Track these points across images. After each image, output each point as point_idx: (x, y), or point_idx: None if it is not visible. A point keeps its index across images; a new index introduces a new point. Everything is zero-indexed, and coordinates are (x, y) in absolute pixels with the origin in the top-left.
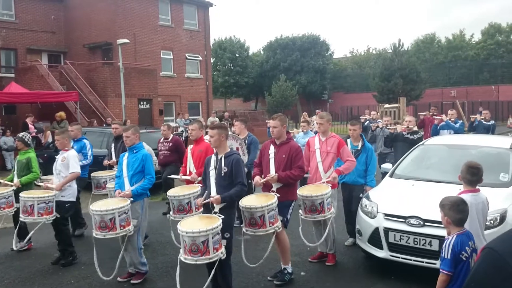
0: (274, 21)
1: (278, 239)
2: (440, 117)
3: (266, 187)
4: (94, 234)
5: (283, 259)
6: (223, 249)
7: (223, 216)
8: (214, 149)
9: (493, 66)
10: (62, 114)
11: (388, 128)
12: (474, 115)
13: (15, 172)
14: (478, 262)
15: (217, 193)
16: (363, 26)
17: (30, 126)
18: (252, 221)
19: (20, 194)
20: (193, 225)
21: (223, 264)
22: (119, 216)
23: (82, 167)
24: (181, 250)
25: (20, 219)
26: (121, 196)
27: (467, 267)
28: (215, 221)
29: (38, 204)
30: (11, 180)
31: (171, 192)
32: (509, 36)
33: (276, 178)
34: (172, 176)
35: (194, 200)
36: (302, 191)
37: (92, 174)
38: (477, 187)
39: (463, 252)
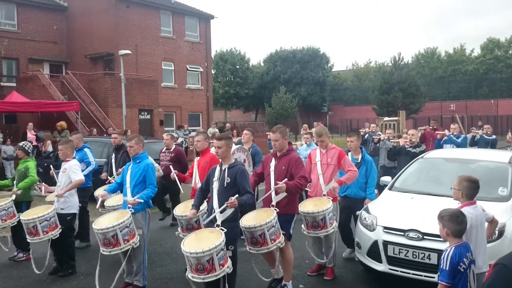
0: (275, 33)
1: (282, 254)
2: (442, 132)
3: (267, 201)
4: (101, 251)
5: (285, 275)
6: (229, 263)
7: (225, 230)
8: (220, 160)
9: (492, 81)
10: (63, 123)
11: (391, 141)
12: (476, 130)
13: (15, 181)
14: (491, 278)
15: (219, 205)
16: (366, 40)
17: (29, 135)
18: (254, 240)
19: (21, 217)
20: (197, 244)
21: (229, 277)
22: (120, 231)
23: (87, 175)
24: (188, 268)
25: (28, 240)
26: (130, 204)
27: (464, 279)
28: (218, 237)
29: (40, 223)
30: (7, 185)
31: (178, 212)
32: (507, 51)
33: (285, 188)
34: (174, 177)
35: (202, 217)
36: (303, 207)
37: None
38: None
39: (461, 264)
